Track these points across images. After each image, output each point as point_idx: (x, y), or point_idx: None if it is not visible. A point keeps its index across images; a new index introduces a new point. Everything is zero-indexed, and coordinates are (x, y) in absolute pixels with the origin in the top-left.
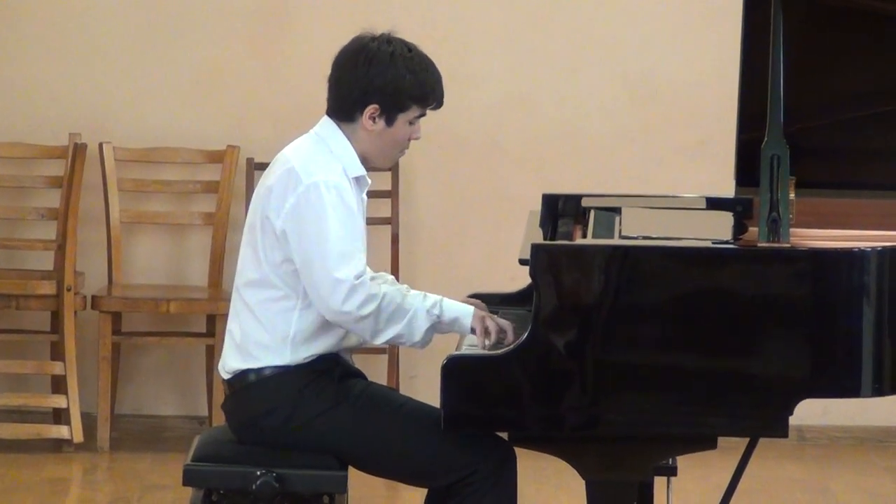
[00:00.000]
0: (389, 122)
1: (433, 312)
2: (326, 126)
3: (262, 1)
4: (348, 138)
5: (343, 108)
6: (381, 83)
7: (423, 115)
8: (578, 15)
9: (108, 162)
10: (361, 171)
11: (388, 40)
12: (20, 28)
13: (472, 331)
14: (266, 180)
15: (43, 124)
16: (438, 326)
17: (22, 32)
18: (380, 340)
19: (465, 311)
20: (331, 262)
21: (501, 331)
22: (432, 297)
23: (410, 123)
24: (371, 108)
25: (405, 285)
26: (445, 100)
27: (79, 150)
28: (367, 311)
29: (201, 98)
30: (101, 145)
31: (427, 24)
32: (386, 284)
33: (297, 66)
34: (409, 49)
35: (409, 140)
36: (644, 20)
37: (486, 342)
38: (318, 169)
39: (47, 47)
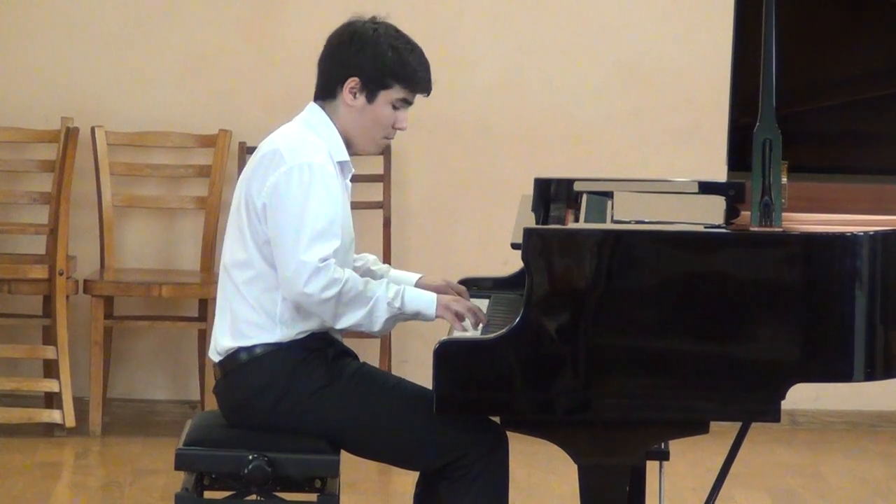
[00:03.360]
0: (370, 98)
1: (394, 304)
2: (312, 111)
3: None
4: (332, 119)
5: (326, 85)
6: (361, 57)
7: (408, 101)
8: None
9: (100, 146)
10: (345, 155)
11: (375, 21)
12: (11, 13)
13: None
14: (251, 163)
15: (35, 108)
16: (400, 317)
17: (13, 17)
18: (340, 325)
19: (426, 303)
20: (301, 243)
21: (472, 311)
22: (394, 288)
23: (394, 108)
24: (351, 81)
25: (386, 265)
26: (437, 84)
27: (71, 134)
28: (328, 294)
29: (193, 82)
30: (93, 129)
31: (418, 10)
32: (349, 269)
33: (288, 50)
34: (396, 31)
35: (394, 128)
36: (636, 4)
37: (466, 324)
38: (304, 152)
39: (39, 31)
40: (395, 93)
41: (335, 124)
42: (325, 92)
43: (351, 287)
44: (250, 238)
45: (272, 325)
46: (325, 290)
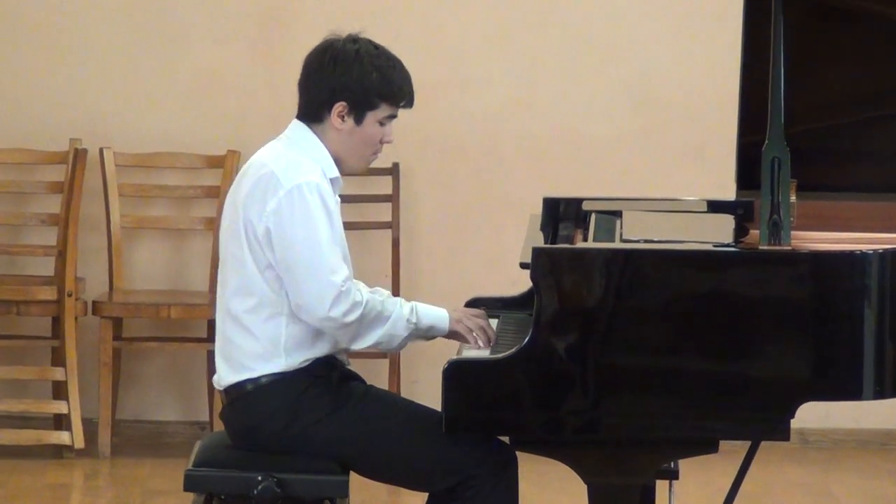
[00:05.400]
0: (358, 120)
1: (411, 320)
2: (297, 129)
3: (261, 5)
4: (320, 139)
5: (312, 108)
6: (347, 81)
7: (394, 115)
8: (578, 19)
9: (108, 167)
10: (336, 172)
11: (353, 39)
12: (19, 34)
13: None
14: (240, 188)
15: (43, 130)
16: (415, 333)
17: (21, 38)
18: (358, 346)
19: (440, 317)
20: (319, 267)
21: (482, 329)
22: (408, 304)
23: (381, 124)
24: (339, 106)
25: (400, 297)
26: (445, 104)
27: (79, 156)
28: (351, 318)
29: (201, 103)
30: (101, 150)
31: (427, 30)
32: (367, 290)
33: (296, 70)
34: (375, 47)
35: (381, 143)
36: (643, 24)
37: (480, 343)
38: (298, 172)
39: (47, 53)
40: (382, 111)
41: (325, 145)
42: (312, 115)
43: (371, 308)
44: (252, 263)
45: (276, 355)
46: (347, 315)
